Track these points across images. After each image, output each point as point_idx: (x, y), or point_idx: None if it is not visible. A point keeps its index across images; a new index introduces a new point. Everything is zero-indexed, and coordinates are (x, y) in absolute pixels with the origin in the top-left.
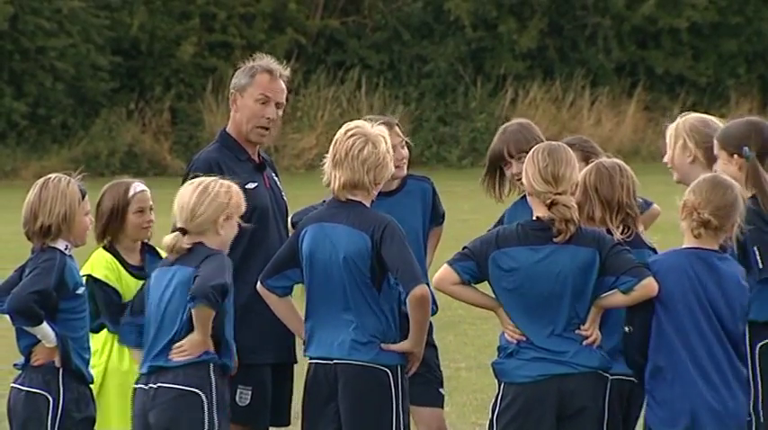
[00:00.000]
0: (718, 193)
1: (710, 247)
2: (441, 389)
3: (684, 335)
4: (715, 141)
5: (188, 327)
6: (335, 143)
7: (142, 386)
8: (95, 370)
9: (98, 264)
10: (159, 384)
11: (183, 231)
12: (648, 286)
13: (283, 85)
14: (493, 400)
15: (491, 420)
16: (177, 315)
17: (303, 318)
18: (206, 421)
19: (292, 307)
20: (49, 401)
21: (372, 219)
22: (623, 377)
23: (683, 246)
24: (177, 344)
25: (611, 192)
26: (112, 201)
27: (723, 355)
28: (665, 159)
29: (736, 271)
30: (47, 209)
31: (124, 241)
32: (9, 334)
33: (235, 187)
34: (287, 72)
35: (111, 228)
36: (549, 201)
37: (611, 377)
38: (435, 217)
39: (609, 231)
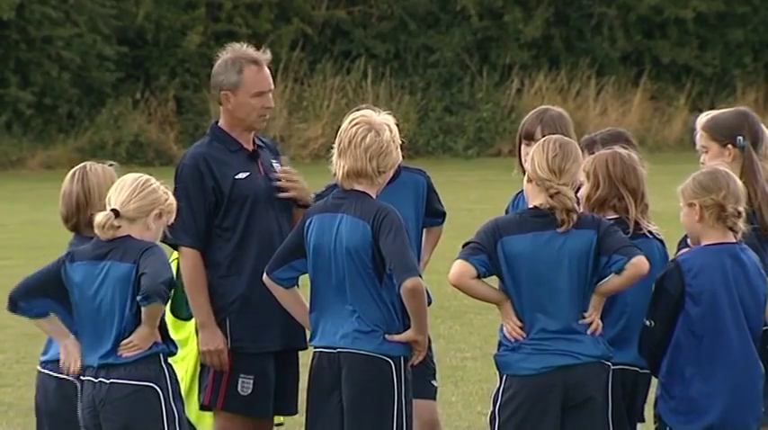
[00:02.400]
0: (733, 183)
1: (733, 241)
2: (433, 382)
3: (712, 334)
4: (703, 133)
5: (134, 322)
6: (340, 133)
7: (91, 379)
8: (186, 360)
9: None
10: (112, 380)
11: (116, 213)
12: (638, 264)
13: (268, 70)
14: (494, 392)
15: (493, 412)
16: (117, 311)
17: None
18: (164, 412)
19: (298, 297)
20: (77, 387)
21: (374, 209)
22: (626, 367)
23: (710, 243)
24: (126, 341)
25: (637, 182)
26: None
27: (746, 353)
28: (706, 160)
29: (755, 259)
30: (95, 197)
31: None
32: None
33: (173, 197)
34: (268, 55)
35: None
36: (552, 191)
37: (613, 367)
38: (433, 213)
39: (637, 222)
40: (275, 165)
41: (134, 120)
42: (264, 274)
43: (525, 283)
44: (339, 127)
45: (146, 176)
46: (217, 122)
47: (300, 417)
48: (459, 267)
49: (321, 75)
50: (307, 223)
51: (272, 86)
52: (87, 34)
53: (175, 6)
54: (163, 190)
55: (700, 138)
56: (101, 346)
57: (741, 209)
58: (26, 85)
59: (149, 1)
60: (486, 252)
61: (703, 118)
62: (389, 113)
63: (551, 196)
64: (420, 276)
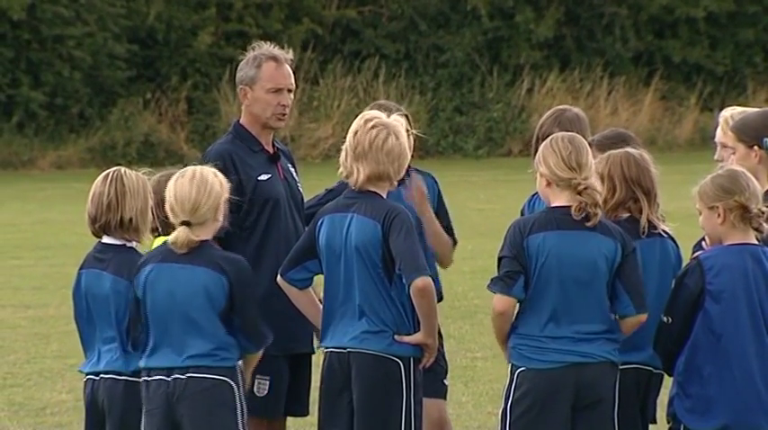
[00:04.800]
0: (752, 183)
1: (755, 242)
2: (445, 381)
3: (731, 332)
4: (730, 133)
5: (221, 326)
6: (356, 134)
7: (163, 378)
8: None
9: None
10: (190, 374)
11: (188, 223)
12: (637, 323)
13: (290, 69)
14: (506, 388)
15: (504, 408)
16: (204, 318)
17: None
18: (238, 408)
19: (312, 299)
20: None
21: (384, 208)
22: (640, 366)
23: (733, 243)
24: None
25: (651, 183)
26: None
27: (761, 354)
28: (733, 161)
29: None
30: (127, 201)
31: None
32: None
33: (219, 173)
34: (290, 55)
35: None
36: (581, 188)
37: (628, 367)
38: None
39: (651, 222)
40: (291, 170)
41: (144, 121)
42: (278, 276)
43: (547, 280)
44: (350, 127)
45: (198, 172)
46: (238, 121)
47: (312, 418)
48: (504, 303)
49: (331, 75)
50: (318, 223)
51: (292, 86)
52: (98, 33)
53: (186, 6)
54: (215, 176)
55: (727, 138)
56: (183, 348)
57: (764, 208)
58: (38, 85)
59: (160, 0)
60: (523, 272)
61: (726, 112)
62: (401, 114)
63: (579, 192)
64: (430, 277)
